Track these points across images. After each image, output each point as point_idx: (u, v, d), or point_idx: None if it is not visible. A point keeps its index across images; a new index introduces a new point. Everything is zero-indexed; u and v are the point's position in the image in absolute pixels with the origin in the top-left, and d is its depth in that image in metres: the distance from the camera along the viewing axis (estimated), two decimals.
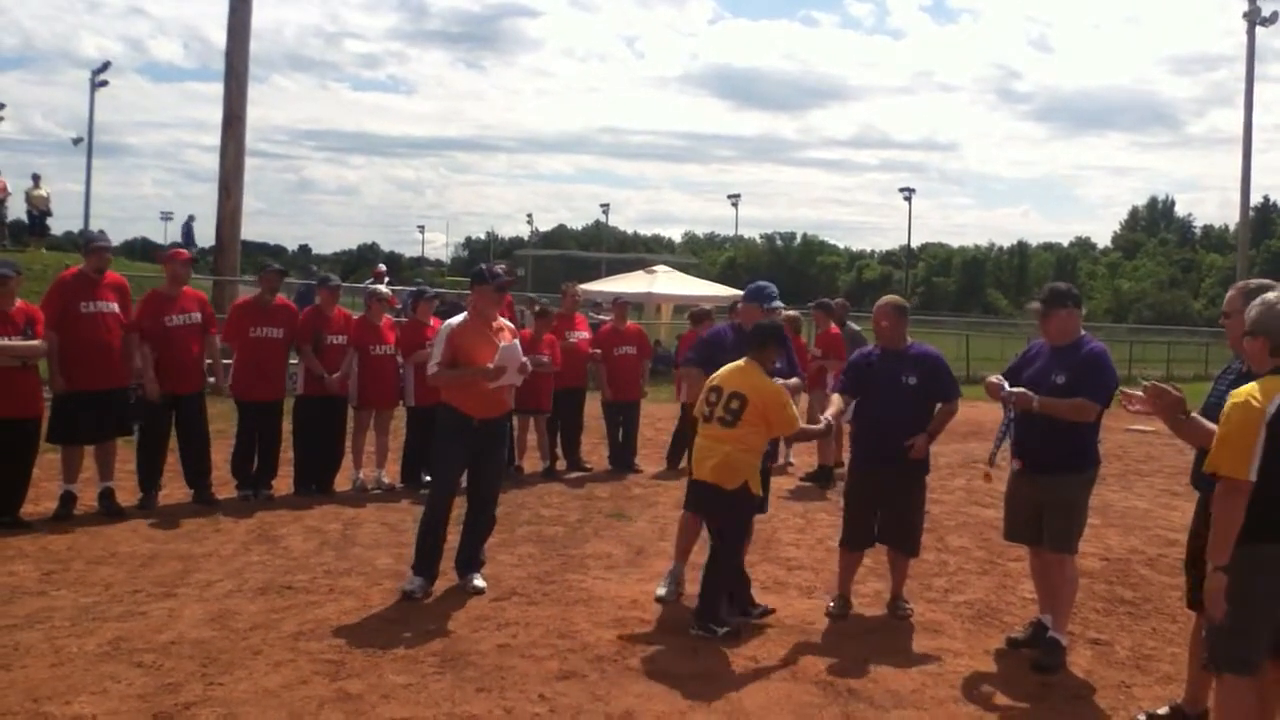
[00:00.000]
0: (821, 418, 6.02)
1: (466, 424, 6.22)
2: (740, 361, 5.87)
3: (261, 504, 8.44)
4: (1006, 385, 5.45)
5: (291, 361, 9.15)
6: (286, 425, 9.06)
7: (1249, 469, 3.68)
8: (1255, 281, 4.50)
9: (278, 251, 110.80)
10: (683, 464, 10.33)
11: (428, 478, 9.42)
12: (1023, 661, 5.45)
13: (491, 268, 6.54)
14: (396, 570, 6.66)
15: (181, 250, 9.50)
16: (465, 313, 6.51)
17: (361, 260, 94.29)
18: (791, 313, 12.96)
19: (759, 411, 5.68)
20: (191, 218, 33.99)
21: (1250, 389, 3.78)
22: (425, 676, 4.88)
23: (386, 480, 9.36)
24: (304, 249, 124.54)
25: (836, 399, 6.23)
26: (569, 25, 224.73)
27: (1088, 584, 6.65)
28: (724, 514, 5.85)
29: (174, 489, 8.45)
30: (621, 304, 11.89)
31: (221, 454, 8.80)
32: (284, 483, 8.95)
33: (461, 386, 6.22)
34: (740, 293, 27.45)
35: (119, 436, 8.01)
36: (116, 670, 4.77)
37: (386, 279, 23.66)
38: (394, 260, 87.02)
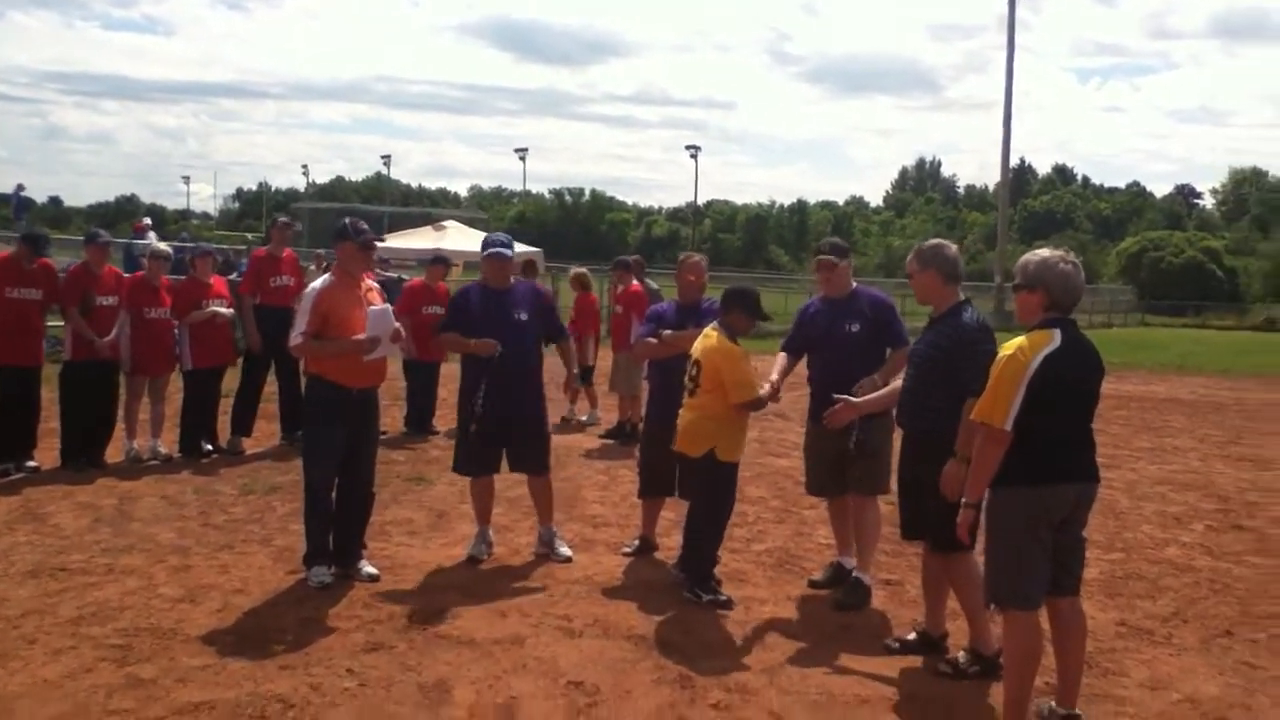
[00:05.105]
0: (765, 384, 5.68)
1: (344, 395, 5.72)
2: (709, 328, 5.72)
3: (24, 478, 7.76)
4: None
5: (55, 324, 8.42)
6: (45, 393, 8.36)
7: (1006, 419, 3.96)
8: (928, 243, 5.05)
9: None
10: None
11: (208, 446, 8.96)
12: (824, 605, 5.67)
13: (356, 223, 5.95)
14: (180, 545, 6.28)
15: None
16: (329, 274, 5.93)
17: (120, 213, 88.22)
18: (580, 270, 13.02)
19: (712, 376, 5.53)
20: (21, 187, 30.29)
21: (1019, 342, 4.04)
22: (223, 657, 4.61)
23: (163, 450, 8.79)
24: (54, 200, 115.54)
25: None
26: None
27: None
28: (694, 480, 5.73)
29: None
30: (443, 264, 11.40)
31: None
32: (49, 455, 8.26)
33: (337, 356, 5.73)
34: (532, 249, 27.16)
35: None
36: None
37: (152, 233, 22.14)
38: (157, 213, 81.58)
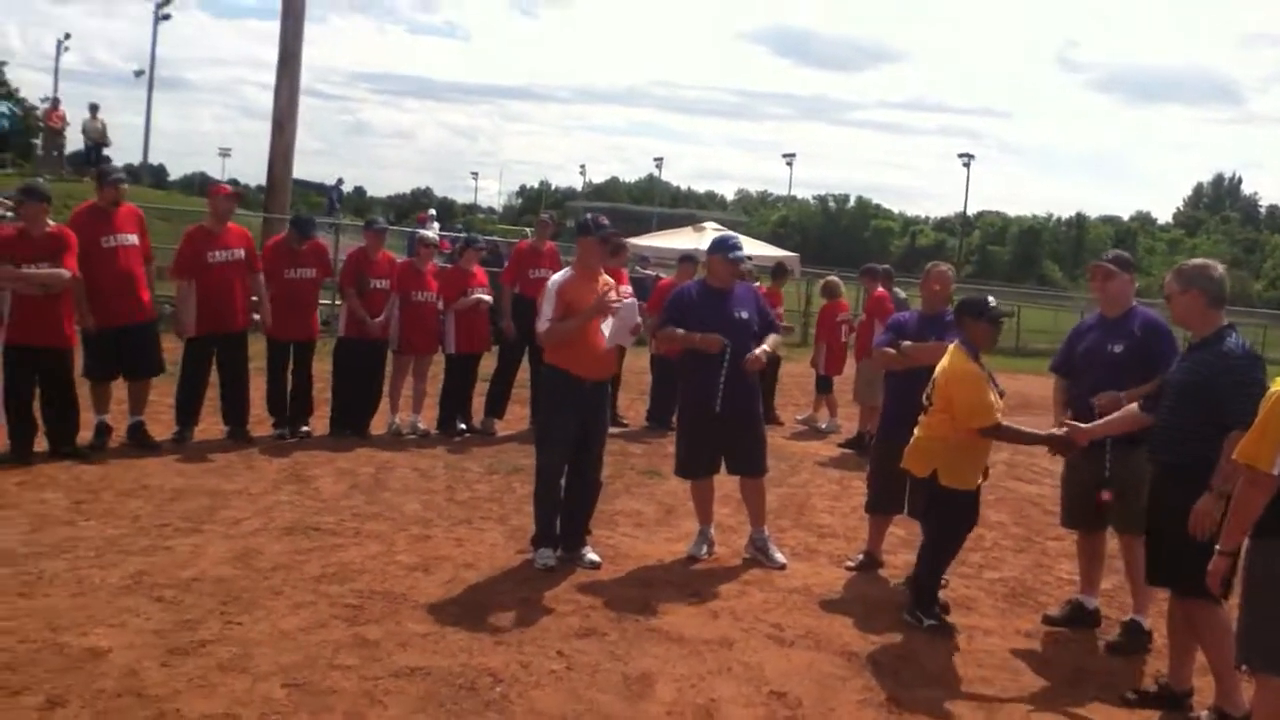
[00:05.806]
0: (1057, 428, 5.26)
1: (577, 386, 5.92)
2: (952, 345, 5.44)
3: (296, 444, 8.44)
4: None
5: (327, 303, 9.08)
6: (323, 366, 9.05)
7: (1274, 463, 3.57)
8: (1191, 262, 4.64)
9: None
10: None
11: (462, 425, 9.44)
12: (1054, 643, 5.32)
13: (597, 218, 6.25)
14: (423, 517, 6.64)
15: (224, 185, 9.41)
16: (569, 268, 6.21)
17: (415, 204, 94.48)
18: (831, 278, 12.82)
19: (944, 395, 5.28)
20: (340, 181, 33.54)
21: None
22: (444, 626, 4.83)
23: (422, 426, 9.34)
24: (358, 190, 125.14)
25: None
26: None
27: (1119, 566, 6.36)
28: (924, 501, 5.55)
29: (210, 425, 8.45)
30: (692, 263, 11.52)
31: (261, 392, 8.79)
32: (321, 424, 8.96)
33: (572, 346, 5.89)
34: (788, 254, 26.79)
35: (152, 376, 7.97)
36: (136, 604, 4.77)
37: (436, 224, 23.61)
38: (446, 206, 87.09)
